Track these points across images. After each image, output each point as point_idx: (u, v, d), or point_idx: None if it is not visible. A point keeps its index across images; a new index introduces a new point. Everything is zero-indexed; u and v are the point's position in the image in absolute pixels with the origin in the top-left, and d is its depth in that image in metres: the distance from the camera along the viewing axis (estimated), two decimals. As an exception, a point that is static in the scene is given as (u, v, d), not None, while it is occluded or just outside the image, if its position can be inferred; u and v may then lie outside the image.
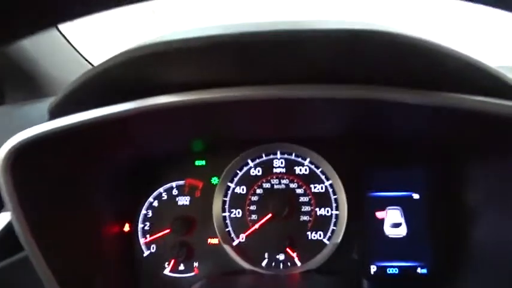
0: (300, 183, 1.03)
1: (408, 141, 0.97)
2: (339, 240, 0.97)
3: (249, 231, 1.01)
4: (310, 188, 1.02)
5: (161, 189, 1.06)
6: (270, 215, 1.00)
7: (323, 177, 1.02)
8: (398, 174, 1.01)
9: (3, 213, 0.85)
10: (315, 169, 1.03)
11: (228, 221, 1.03)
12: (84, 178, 0.88)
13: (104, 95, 0.67)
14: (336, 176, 1.00)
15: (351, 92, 0.63)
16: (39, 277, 0.74)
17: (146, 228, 1.05)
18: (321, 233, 1.00)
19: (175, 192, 1.06)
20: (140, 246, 1.04)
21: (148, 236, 1.04)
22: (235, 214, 1.03)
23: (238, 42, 0.55)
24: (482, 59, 0.60)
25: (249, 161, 1.05)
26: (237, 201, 1.03)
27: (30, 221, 0.73)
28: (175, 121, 0.79)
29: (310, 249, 0.99)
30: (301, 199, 1.02)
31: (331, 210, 1.00)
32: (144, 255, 1.04)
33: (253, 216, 1.02)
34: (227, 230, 1.02)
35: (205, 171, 1.05)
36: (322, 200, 1.01)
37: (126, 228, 1.04)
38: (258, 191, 1.03)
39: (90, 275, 0.88)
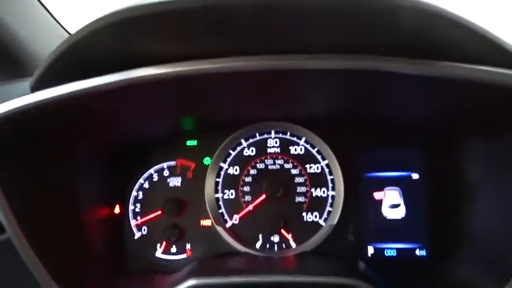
0: (295, 164, 0.99)
1: (407, 119, 0.92)
2: (335, 221, 0.94)
3: (242, 213, 0.98)
4: (306, 168, 0.98)
5: (152, 170, 1.03)
6: (263, 196, 0.97)
7: (319, 157, 0.98)
8: (397, 154, 0.97)
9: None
10: (311, 149, 0.99)
11: (221, 202, 1.00)
12: (68, 158, 0.85)
13: (83, 67, 0.63)
14: (333, 156, 0.97)
15: (347, 63, 0.59)
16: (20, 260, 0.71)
17: (137, 210, 1.02)
18: (317, 214, 0.97)
19: (166, 173, 1.03)
20: (131, 228, 1.02)
21: (139, 217, 1.02)
22: (228, 195, 1.00)
23: (223, 5, 0.50)
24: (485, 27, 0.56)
25: (243, 140, 1.01)
26: (230, 182, 1.00)
27: (12, 204, 0.70)
28: (160, 97, 0.74)
29: (306, 230, 0.96)
30: (296, 180, 0.98)
31: (327, 191, 0.97)
32: (135, 237, 1.01)
33: (247, 198, 0.99)
34: (220, 211, 0.99)
35: (197, 152, 1.02)
36: (318, 180, 0.98)
37: (117, 210, 1.02)
38: (252, 171, 1.00)
39: (80, 257, 0.86)
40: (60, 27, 1.11)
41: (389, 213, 0.96)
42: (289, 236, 0.96)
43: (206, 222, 0.99)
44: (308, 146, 0.99)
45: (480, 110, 0.71)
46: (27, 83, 0.71)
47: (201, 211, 0.99)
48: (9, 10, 0.91)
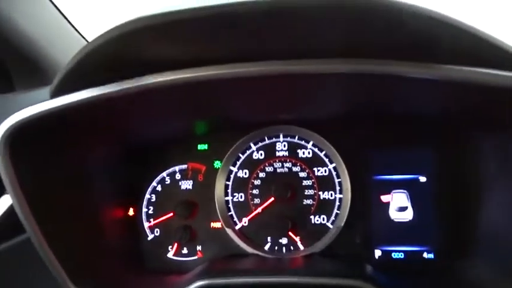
0: (303, 167, 1.01)
1: (414, 121, 0.94)
2: (343, 224, 0.96)
3: (251, 215, 1.01)
4: (314, 172, 1.00)
5: (164, 174, 1.06)
6: (272, 199, 0.99)
7: (326, 160, 1.00)
8: (404, 157, 0.98)
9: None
10: (318, 152, 1.01)
11: (230, 205, 1.02)
12: (86, 161, 0.89)
13: (101, 73, 0.67)
14: (340, 159, 0.98)
15: (352, 67, 0.60)
16: (39, 260, 0.75)
17: (150, 212, 1.06)
18: (324, 216, 0.98)
19: (178, 176, 1.06)
20: (144, 230, 1.05)
21: (152, 220, 1.05)
22: (237, 198, 1.02)
23: (229, 13, 0.53)
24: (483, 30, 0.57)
25: (252, 144, 1.03)
26: (240, 185, 1.03)
27: (31, 204, 0.74)
28: (173, 102, 0.78)
29: (313, 233, 0.98)
30: (304, 182, 1.00)
31: (335, 193, 0.99)
32: (148, 238, 1.05)
33: (256, 200, 1.01)
34: (230, 213, 1.02)
35: (207, 155, 1.05)
36: (326, 183, 0.99)
37: (131, 212, 1.05)
38: (261, 174, 1.02)
39: (95, 258, 0.89)
40: (78, 35, 1.16)
41: (396, 216, 0.96)
42: (297, 238, 0.98)
43: (216, 225, 1.02)
44: (316, 150, 1.01)
45: (483, 108, 0.72)
46: (47, 89, 0.76)
47: (211, 213, 1.02)
48: (32, 22, 0.96)
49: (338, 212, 0.98)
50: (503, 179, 0.80)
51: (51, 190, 0.80)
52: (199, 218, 1.03)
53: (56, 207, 0.80)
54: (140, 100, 0.69)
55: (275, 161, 1.02)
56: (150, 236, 1.05)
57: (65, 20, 1.09)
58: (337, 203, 0.98)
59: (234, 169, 1.03)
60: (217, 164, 1.04)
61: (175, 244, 1.02)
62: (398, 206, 0.97)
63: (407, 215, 0.96)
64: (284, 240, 0.99)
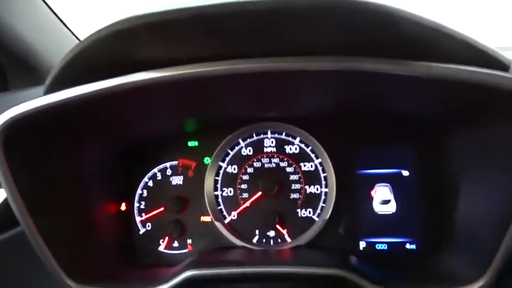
0: (290, 162, 1.04)
1: (397, 119, 0.97)
2: (328, 216, 0.99)
3: (240, 209, 1.04)
4: (300, 167, 1.04)
5: (156, 170, 1.09)
6: (260, 193, 1.02)
7: (313, 155, 1.03)
8: (387, 152, 1.02)
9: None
10: (305, 148, 1.04)
11: (220, 200, 1.05)
12: (79, 157, 0.91)
13: (90, 72, 0.69)
14: (325, 155, 1.01)
15: (337, 64, 0.62)
16: (34, 253, 0.77)
17: (142, 207, 1.08)
18: (311, 210, 1.02)
19: (169, 172, 1.09)
20: (136, 225, 1.08)
21: (144, 214, 1.08)
22: (227, 193, 1.05)
23: (218, 13, 0.56)
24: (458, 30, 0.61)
25: (240, 140, 1.07)
26: (229, 180, 1.06)
27: (26, 199, 0.76)
28: (163, 99, 0.80)
29: (300, 225, 1.01)
30: (291, 177, 1.03)
31: (321, 187, 1.02)
32: (140, 232, 1.07)
33: (245, 195, 1.04)
34: (219, 208, 1.05)
35: (197, 152, 1.08)
36: (312, 178, 1.03)
37: (123, 207, 1.08)
38: (249, 170, 1.05)
39: (89, 251, 0.92)
40: (72, 35, 1.18)
41: (380, 208, 1.00)
42: (284, 231, 1.01)
43: (206, 219, 1.05)
44: (302, 145, 1.04)
45: (463, 106, 0.75)
46: (41, 88, 0.78)
47: (201, 208, 1.05)
48: (25, 22, 0.99)
49: (324, 205, 1.01)
50: (481, 176, 0.83)
51: (45, 185, 0.82)
52: (189, 212, 1.06)
53: (50, 202, 0.83)
54: (132, 97, 0.72)
55: (263, 157, 1.06)
56: (142, 230, 1.08)
57: (58, 21, 1.12)
58: (323, 197, 1.02)
59: (223, 165, 1.06)
60: (207, 160, 1.07)
61: (166, 238, 1.05)
62: (382, 199, 1.00)
63: (391, 208, 1.00)
64: (272, 233, 1.02)
